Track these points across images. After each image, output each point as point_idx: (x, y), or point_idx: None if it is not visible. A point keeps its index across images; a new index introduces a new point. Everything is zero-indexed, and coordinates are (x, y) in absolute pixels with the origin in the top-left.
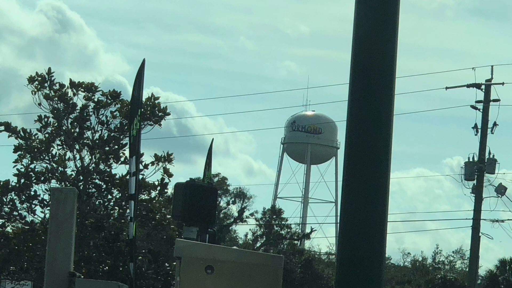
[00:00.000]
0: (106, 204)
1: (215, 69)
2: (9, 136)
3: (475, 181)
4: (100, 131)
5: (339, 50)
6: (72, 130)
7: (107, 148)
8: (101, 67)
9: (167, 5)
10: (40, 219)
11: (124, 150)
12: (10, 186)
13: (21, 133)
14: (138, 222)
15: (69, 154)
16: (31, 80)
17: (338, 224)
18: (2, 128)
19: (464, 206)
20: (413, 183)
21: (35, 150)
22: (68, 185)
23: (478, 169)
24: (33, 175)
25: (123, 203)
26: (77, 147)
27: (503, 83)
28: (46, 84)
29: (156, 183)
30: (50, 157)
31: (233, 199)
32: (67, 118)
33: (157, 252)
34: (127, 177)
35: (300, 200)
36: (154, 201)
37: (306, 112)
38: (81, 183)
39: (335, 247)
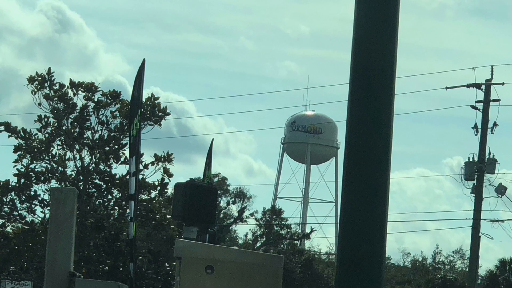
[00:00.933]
0: (106, 204)
1: (215, 69)
2: (9, 136)
3: (475, 181)
4: (100, 131)
5: (339, 50)
6: (72, 130)
7: (107, 148)
8: (101, 67)
9: (167, 5)
10: (40, 219)
11: (124, 150)
12: (10, 186)
13: (21, 133)
14: (138, 222)
15: (69, 154)
16: (31, 80)
17: (338, 224)
18: (2, 128)
19: (464, 206)
20: (413, 183)
21: (35, 150)
22: (68, 185)
23: (478, 169)
24: (33, 175)
25: (123, 203)
26: (77, 147)
27: (503, 83)
28: (46, 84)
29: (156, 183)
30: (50, 157)
31: (233, 199)
32: (67, 118)
33: (157, 252)
34: (127, 177)
35: (300, 200)
36: (154, 201)
37: (306, 112)
38: (81, 183)
39: (335, 247)
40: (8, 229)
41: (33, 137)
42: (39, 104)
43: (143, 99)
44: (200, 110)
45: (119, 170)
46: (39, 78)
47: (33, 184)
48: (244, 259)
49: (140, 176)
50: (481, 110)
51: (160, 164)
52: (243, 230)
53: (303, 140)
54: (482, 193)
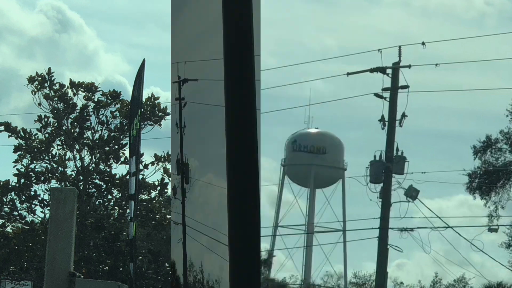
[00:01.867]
0: (106, 204)
1: None
2: (9, 136)
3: (382, 184)
4: (100, 131)
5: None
6: (72, 130)
7: (107, 148)
8: (101, 67)
9: (167, 5)
10: (40, 219)
11: (124, 150)
12: (10, 186)
13: (21, 133)
14: (138, 222)
15: (69, 154)
16: (31, 80)
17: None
18: (2, 128)
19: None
20: None
21: (35, 150)
22: (68, 185)
23: (385, 169)
24: (33, 175)
25: (123, 203)
26: (77, 147)
27: (409, 66)
28: (46, 84)
29: (156, 183)
30: (50, 157)
31: None
32: (67, 118)
33: (157, 252)
34: (127, 177)
35: (303, 229)
36: (154, 201)
37: (309, 129)
38: (81, 183)
39: (343, 280)
40: (8, 229)
41: (33, 137)
42: (39, 104)
43: (143, 99)
44: None
45: (119, 170)
46: (39, 78)
47: (33, 184)
48: None
49: (140, 176)
50: (387, 99)
51: (160, 164)
52: None
53: (306, 161)
54: (390, 198)
